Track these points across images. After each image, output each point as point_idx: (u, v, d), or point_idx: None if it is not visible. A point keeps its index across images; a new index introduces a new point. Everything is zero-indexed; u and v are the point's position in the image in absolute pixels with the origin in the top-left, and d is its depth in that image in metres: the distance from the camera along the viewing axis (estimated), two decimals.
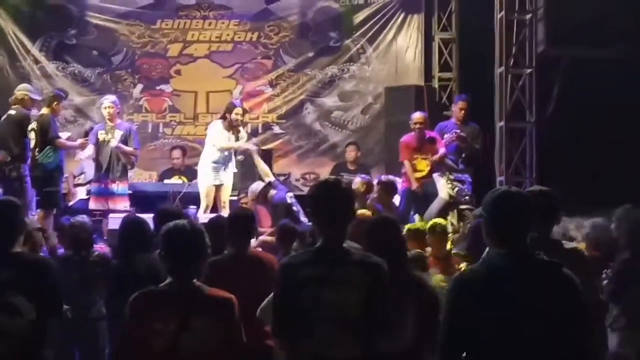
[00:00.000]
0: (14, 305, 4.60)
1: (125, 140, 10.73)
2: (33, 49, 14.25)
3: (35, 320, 4.59)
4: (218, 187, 10.69)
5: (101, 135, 10.65)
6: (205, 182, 10.72)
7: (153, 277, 4.57)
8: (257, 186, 10.56)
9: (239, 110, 10.77)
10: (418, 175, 11.08)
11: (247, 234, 6.02)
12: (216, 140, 10.68)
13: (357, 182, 10.22)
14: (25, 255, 4.96)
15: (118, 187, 10.71)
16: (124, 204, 10.71)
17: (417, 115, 11.31)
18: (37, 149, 9.73)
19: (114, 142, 10.58)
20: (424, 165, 11.08)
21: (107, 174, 10.66)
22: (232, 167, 10.85)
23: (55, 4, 14.34)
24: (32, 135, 9.69)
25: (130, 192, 11.20)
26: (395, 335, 4.09)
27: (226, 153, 10.71)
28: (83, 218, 7.32)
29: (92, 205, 10.60)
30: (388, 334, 4.01)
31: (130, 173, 11.27)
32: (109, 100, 11.00)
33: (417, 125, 11.16)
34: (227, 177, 10.78)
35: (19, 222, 4.81)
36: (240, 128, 10.85)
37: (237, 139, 10.73)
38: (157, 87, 14.59)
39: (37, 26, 14.35)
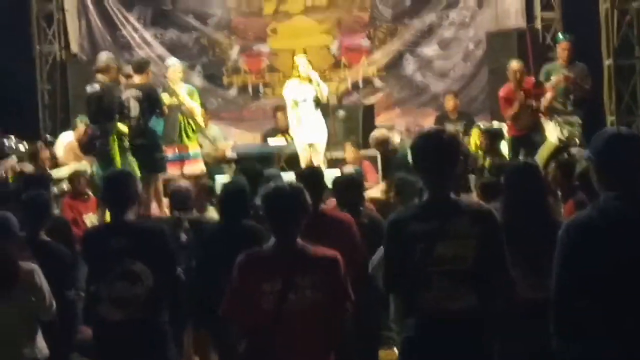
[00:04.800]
0: (134, 273, 4.73)
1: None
2: (131, 18, 14.44)
3: (152, 287, 4.71)
4: (311, 146, 10.64)
5: (167, 99, 10.37)
6: (298, 141, 10.70)
7: (257, 239, 4.58)
8: (378, 132, 10.43)
9: (302, 61, 10.76)
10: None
11: (317, 193, 5.72)
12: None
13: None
14: (141, 223, 5.14)
15: (190, 150, 10.69)
16: (200, 167, 10.72)
17: (513, 64, 10.94)
18: (143, 117, 9.66)
19: (187, 101, 10.52)
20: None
21: (180, 139, 10.64)
22: (321, 125, 10.71)
23: None
24: (132, 103, 9.63)
25: (235, 154, 11.26)
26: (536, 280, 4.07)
27: (307, 112, 10.58)
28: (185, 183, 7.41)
29: (169, 171, 10.28)
30: (507, 282, 3.99)
31: (215, 132, 11.18)
32: (178, 63, 10.99)
33: (517, 75, 10.81)
34: (319, 135, 10.67)
35: (134, 192, 5.00)
36: (317, 77, 10.72)
37: (318, 90, 10.63)
38: (254, 47, 14.59)
39: None
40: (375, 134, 10.40)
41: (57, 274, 5.15)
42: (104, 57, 9.87)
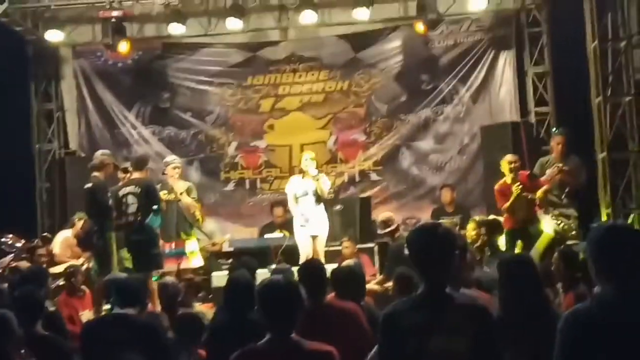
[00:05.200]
0: None
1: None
2: (130, 116, 14.62)
3: None
4: (314, 238, 10.65)
5: (164, 196, 10.50)
6: (299, 234, 10.72)
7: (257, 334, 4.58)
8: (384, 215, 10.62)
9: (306, 156, 10.84)
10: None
11: (320, 285, 5.82)
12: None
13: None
14: (139, 317, 5.24)
15: (187, 245, 10.74)
16: (197, 262, 10.75)
17: (508, 158, 11.03)
18: (137, 213, 9.69)
19: (185, 197, 10.62)
20: (541, 194, 10.73)
21: (177, 234, 10.70)
22: (323, 218, 10.79)
23: (151, 73, 14.72)
24: (129, 199, 9.70)
25: (232, 248, 11.24)
26: None
27: (307, 206, 10.67)
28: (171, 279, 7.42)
29: (166, 267, 10.27)
30: None
31: (212, 227, 11.21)
32: (178, 160, 11.11)
33: (512, 165, 10.89)
34: (321, 228, 10.73)
35: (142, 294, 5.08)
36: (315, 173, 10.75)
37: (317, 185, 10.66)
38: (252, 144, 14.74)
39: (133, 93, 14.73)
40: (381, 216, 10.54)
41: None
42: (98, 154, 10.03)
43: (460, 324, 3.81)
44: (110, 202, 9.57)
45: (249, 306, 5.81)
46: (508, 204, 10.64)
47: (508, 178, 10.78)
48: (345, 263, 8.34)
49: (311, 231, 10.70)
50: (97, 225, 9.51)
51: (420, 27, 13.32)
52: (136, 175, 9.92)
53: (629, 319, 3.38)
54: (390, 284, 8.02)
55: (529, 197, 10.66)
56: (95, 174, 9.65)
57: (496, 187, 10.99)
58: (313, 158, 10.85)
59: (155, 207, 9.74)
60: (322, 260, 10.24)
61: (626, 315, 3.38)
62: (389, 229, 10.46)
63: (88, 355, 5.04)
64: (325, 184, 10.85)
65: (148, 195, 9.71)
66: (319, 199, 10.73)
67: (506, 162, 10.88)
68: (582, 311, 3.56)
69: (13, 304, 5.74)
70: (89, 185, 9.66)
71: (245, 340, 4.36)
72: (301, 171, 10.85)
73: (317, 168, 10.95)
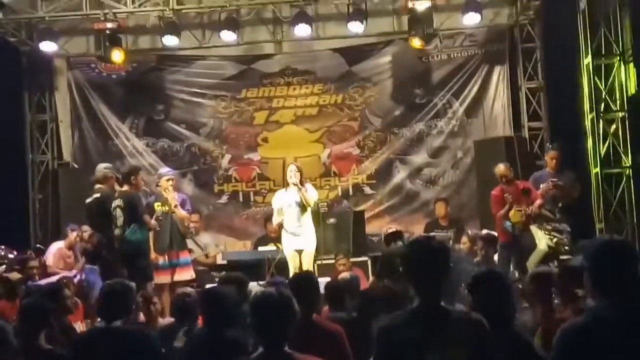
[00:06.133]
0: None
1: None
2: (123, 128, 14.61)
3: None
4: (299, 253, 10.62)
5: (158, 207, 10.63)
6: (286, 248, 10.70)
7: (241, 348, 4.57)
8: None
9: (291, 167, 10.80)
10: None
11: (310, 301, 5.72)
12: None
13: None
14: (129, 329, 5.17)
15: (181, 257, 10.73)
16: (190, 274, 10.75)
17: (500, 168, 11.10)
18: (123, 226, 9.70)
19: (179, 210, 10.59)
20: (517, 217, 10.84)
21: (170, 246, 10.70)
22: (310, 232, 10.73)
23: (146, 85, 14.70)
24: (117, 212, 9.71)
25: (225, 261, 11.23)
26: None
27: (292, 218, 10.64)
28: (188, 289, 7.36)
29: (159, 279, 10.35)
30: None
31: (206, 241, 11.20)
32: (171, 172, 11.11)
33: (503, 179, 10.97)
34: (307, 242, 10.69)
35: (131, 302, 5.20)
36: (296, 181, 10.61)
37: (303, 196, 10.59)
38: (245, 156, 14.75)
39: (127, 105, 14.74)
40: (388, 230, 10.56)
41: None
42: (101, 167, 10.09)
43: (455, 338, 3.81)
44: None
45: (225, 321, 5.76)
46: (503, 211, 10.70)
47: (503, 186, 10.90)
48: (341, 276, 8.34)
49: (296, 245, 10.65)
50: (106, 237, 9.56)
51: (416, 42, 13.36)
52: (124, 188, 9.94)
53: (624, 333, 3.41)
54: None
55: (524, 209, 10.73)
56: (99, 186, 9.74)
57: (493, 191, 11.06)
58: (298, 170, 10.74)
59: (136, 219, 9.75)
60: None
61: (621, 330, 3.42)
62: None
63: None
64: (311, 193, 10.74)
65: (129, 207, 9.73)
66: (304, 209, 10.67)
67: (498, 171, 10.98)
68: (577, 325, 3.59)
69: (18, 314, 5.75)
70: (97, 196, 9.72)
71: (221, 356, 4.34)
72: (287, 184, 10.81)
73: (310, 181, 10.93)
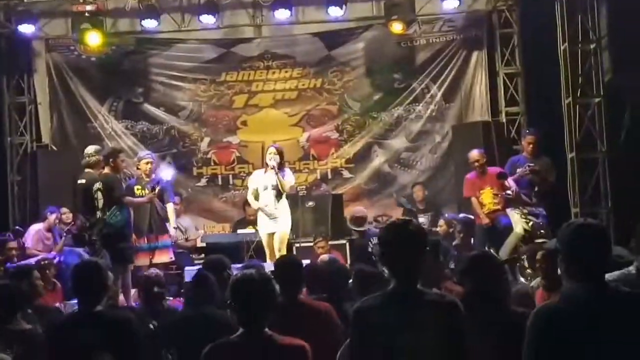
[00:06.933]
0: None
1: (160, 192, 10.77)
2: (102, 110, 14.58)
3: None
4: (271, 235, 10.63)
5: (138, 191, 10.71)
6: (261, 230, 10.74)
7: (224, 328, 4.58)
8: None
9: (270, 149, 10.74)
10: (485, 210, 11.05)
11: (295, 282, 5.84)
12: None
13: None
14: (109, 314, 5.07)
15: (160, 240, 10.79)
16: (169, 256, 10.83)
17: (473, 154, 11.24)
18: (104, 209, 9.71)
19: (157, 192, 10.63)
20: (489, 198, 10.98)
21: (150, 229, 10.75)
22: (286, 214, 10.71)
23: (125, 69, 14.68)
24: (98, 195, 9.70)
25: (204, 243, 11.26)
26: None
27: (267, 201, 10.62)
28: (155, 271, 7.34)
29: (138, 261, 10.41)
30: None
31: (186, 224, 11.20)
32: (149, 155, 11.13)
33: (476, 164, 11.12)
34: (280, 224, 10.65)
35: (104, 283, 5.03)
36: (274, 164, 10.51)
37: (279, 181, 10.51)
38: (225, 140, 14.75)
39: (106, 88, 14.69)
40: (354, 213, 10.56)
41: None
42: (91, 151, 10.02)
43: (430, 320, 3.83)
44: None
45: (207, 300, 5.84)
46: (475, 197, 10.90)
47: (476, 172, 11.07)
48: (321, 258, 8.41)
49: (272, 228, 10.60)
50: (89, 222, 9.63)
51: (397, 26, 13.40)
52: (105, 170, 9.93)
53: (596, 316, 3.47)
54: None
55: (499, 195, 10.87)
56: (89, 170, 9.76)
57: (467, 175, 11.22)
58: (277, 152, 10.66)
59: (113, 201, 9.75)
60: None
61: (593, 313, 3.48)
62: (360, 229, 10.49)
63: (56, 355, 4.97)
64: (288, 178, 10.67)
65: (107, 190, 9.72)
66: (279, 193, 10.67)
67: (471, 157, 11.13)
68: (550, 307, 3.66)
69: None
70: (83, 182, 9.76)
71: (202, 334, 4.36)
72: (266, 165, 10.79)
73: (289, 164, 10.93)
